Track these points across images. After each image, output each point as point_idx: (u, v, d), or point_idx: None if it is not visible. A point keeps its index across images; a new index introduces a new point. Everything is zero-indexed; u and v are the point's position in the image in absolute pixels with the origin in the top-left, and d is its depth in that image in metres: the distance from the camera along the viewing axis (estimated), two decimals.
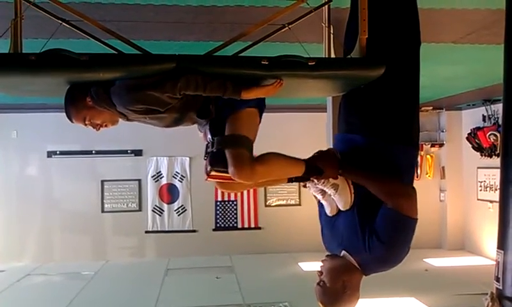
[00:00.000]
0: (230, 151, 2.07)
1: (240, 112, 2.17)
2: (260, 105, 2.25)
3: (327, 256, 2.28)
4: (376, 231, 2.09)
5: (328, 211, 2.31)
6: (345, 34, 2.50)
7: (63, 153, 9.81)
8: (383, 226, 2.08)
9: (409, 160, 2.29)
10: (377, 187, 2.11)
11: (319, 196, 2.30)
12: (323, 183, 2.19)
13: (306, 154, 2.31)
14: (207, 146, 2.20)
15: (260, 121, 2.26)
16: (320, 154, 2.22)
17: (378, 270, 2.22)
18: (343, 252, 2.21)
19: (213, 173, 2.14)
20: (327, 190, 2.21)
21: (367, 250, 2.11)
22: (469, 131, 9.57)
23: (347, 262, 2.18)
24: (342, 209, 2.22)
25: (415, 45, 2.39)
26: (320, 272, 2.20)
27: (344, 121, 2.41)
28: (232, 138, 2.10)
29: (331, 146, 2.46)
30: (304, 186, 2.30)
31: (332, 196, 2.22)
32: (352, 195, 2.17)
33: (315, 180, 2.19)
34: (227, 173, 2.07)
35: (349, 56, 2.34)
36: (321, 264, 2.24)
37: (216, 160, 2.11)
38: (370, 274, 2.22)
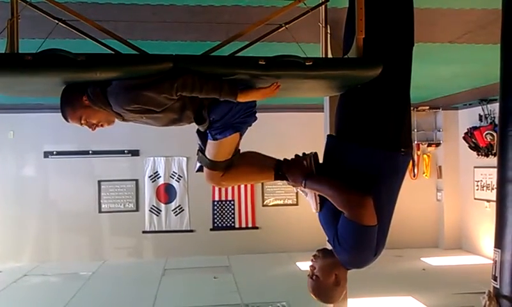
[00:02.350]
0: (205, 169, 2.42)
1: (219, 141, 2.28)
2: (241, 129, 2.32)
3: (318, 250, 2.35)
4: (337, 236, 2.19)
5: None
6: (343, 34, 2.50)
7: (59, 153, 9.79)
8: (343, 233, 2.17)
9: (389, 166, 2.28)
10: (334, 199, 2.17)
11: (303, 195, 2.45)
12: (297, 187, 2.35)
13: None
14: (197, 150, 2.44)
15: (241, 138, 2.38)
16: (290, 162, 2.38)
17: (352, 268, 2.30)
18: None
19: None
20: (301, 193, 2.38)
21: (335, 250, 2.23)
22: (466, 130, 9.59)
23: (336, 257, 2.25)
24: (313, 211, 2.36)
25: (408, 46, 2.39)
26: (313, 267, 2.28)
27: (335, 122, 2.44)
28: (208, 162, 2.37)
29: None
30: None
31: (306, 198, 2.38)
32: (318, 203, 2.30)
33: (288, 184, 2.39)
34: None
35: (346, 56, 2.34)
36: (312, 258, 2.31)
37: (198, 169, 2.49)
38: (350, 269, 2.31)
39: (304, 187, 2.29)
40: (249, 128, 2.37)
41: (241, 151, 2.44)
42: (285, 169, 2.36)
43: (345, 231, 2.16)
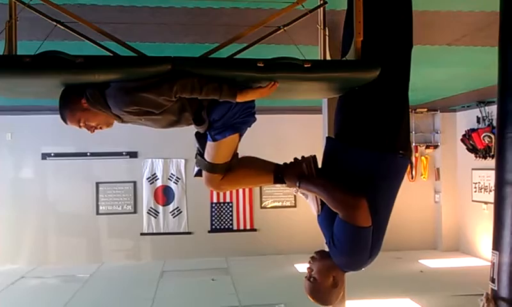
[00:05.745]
0: (204, 173, 2.39)
1: (219, 142, 2.26)
2: (240, 130, 2.32)
3: (316, 252, 2.35)
4: (333, 238, 2.20)
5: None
6: (342, 36, 2.51)
7: (57, 155, 9.77)
8: (338, 234, 2.18)
9: (387, 168, 2.27)
10: (329, 200, 2.18)
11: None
12: (295, 190, 2.34)
13: (301, 156, 2.35)
14: (196, 153, 2.43)
15: (240, 139, 2.36)
16: (288, 165, 2.37)
17: (349, 270, 2.31)
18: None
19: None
20: (301, 196, 2.37)
21: (331, 252, 2.24)
22: (463, 132, 9.61)
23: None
24: (314, 213, 2.36)
25: (407, 48, 2.40)
26: (311, 269, 2.28)
27: (335, 124, 2.45)
28: (207, 165, 2.34)
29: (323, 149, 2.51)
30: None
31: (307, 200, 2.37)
32: (319, 205, 2.30)
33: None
34: None
35: (344, 58, 2.35)
36: (310, 260, 2.31)
37: (197, 173, 2.46)
38: (347, 272, 2.31)
39: (299, 188, 2.29)
40: (248, 129, 2.37)
41: (240, 156, 2.42)
42: (283, 172, 2.35)
43: (339, 232, 2.17)
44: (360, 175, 2.20)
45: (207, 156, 2.33)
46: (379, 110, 2.28)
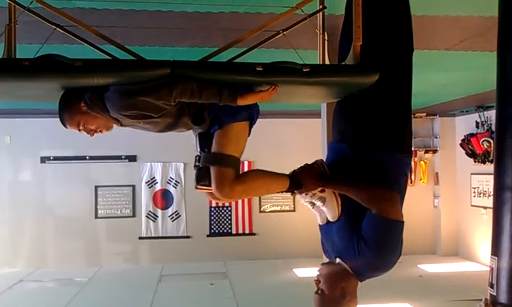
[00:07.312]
0: (214, 170, 2.12)
1: (229, 127, 2.16)
2: (251, 117, 2.24)
3: (323, 264, 2.29)
4: (363, 237, 2.10)
5: (319, 220, 2.35)
6: (339, 41, 2.51)
7: (56, 158, 9.77)
8: (370, 232, 2.09)
9: (399, 168, 2.28)
10: (361, 195, 2.12)
11: (309, 206, 2.33)
12: (311, 196, 2.22)
13: (300, 159, 2.33)
14: (196, 158, 2.24)
15: (249, 133, 2.26)
16: (302, 168, 2.25)
17: (371, 276, 2.22)
18: (338, 259, 2.22)
19: (199, 187, 2.21)
20: (315, 202, 2.24)
21: (358, 256, 2.13)
22: (462, 137, 9.61)
23: (343, 268, 2.19)
24: (331, 220, 2.25)
25: (408, 52, 2.40)
26: (318, 281, 2.20)
27: (336, 129, 2.43)
28: (217, 157, 2.12)
29: (325, 153, 2.48)
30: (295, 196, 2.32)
31: (321, 208, 2.25)
32: (340, 207, 2.20)
33: (300, 193, 2.23)
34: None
35: (343, 63, 2.35)
36: (318, 272, 2.24)
37: (201, 176, 2.17)
38: (364, 280, 2.22)
39: (323, 186, 2.17)
40: None
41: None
42: (298, 174, 2.22)
43: (373, 229, 2.08)
44: (376, 175, 2.17)
45: (216, 147, 2.13)
46: (387, 113, 2.28)
